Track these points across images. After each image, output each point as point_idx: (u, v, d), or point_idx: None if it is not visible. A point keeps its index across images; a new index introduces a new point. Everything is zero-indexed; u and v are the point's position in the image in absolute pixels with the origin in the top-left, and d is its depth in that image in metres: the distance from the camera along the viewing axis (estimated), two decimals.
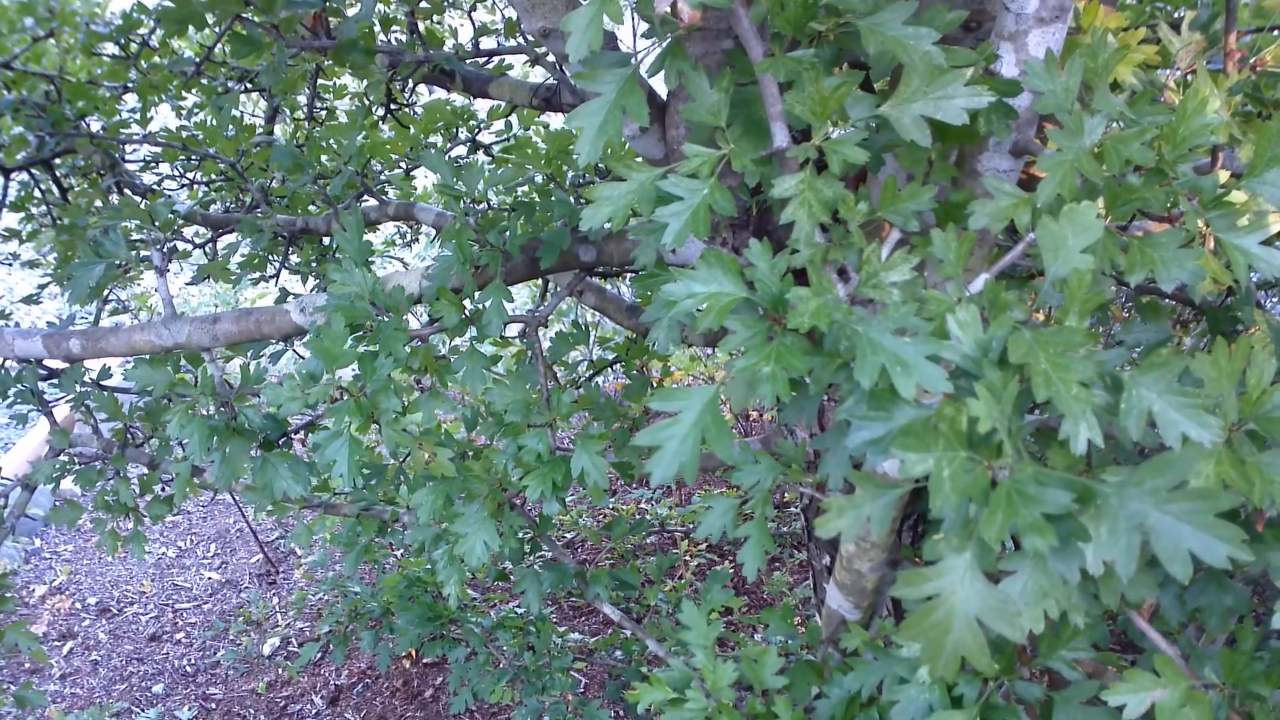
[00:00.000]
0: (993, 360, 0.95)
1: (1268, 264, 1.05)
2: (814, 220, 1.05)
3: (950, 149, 1.25)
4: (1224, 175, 1.20)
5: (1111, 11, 1.35)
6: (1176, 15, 2.15)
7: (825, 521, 1.05)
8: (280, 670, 4.61)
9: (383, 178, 3.18)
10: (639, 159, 1.76)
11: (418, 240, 4.65)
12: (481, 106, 3.13)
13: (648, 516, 5.38)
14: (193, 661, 4.76)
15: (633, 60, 1.13)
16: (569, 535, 5.37)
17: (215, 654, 4.80)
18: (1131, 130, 1.05)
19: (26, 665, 4.67)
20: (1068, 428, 0.90)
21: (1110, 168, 1.05)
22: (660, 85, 1.32)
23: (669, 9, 1.02)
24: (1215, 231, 1.07)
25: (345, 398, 1.57)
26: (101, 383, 2.34)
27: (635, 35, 1.18)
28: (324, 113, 3.46)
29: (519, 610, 3.76)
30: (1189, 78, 1.36)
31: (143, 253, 1.95)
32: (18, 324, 2.22)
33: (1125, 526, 0.87)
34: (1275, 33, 1.49)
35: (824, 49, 1.11)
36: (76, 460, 2.31)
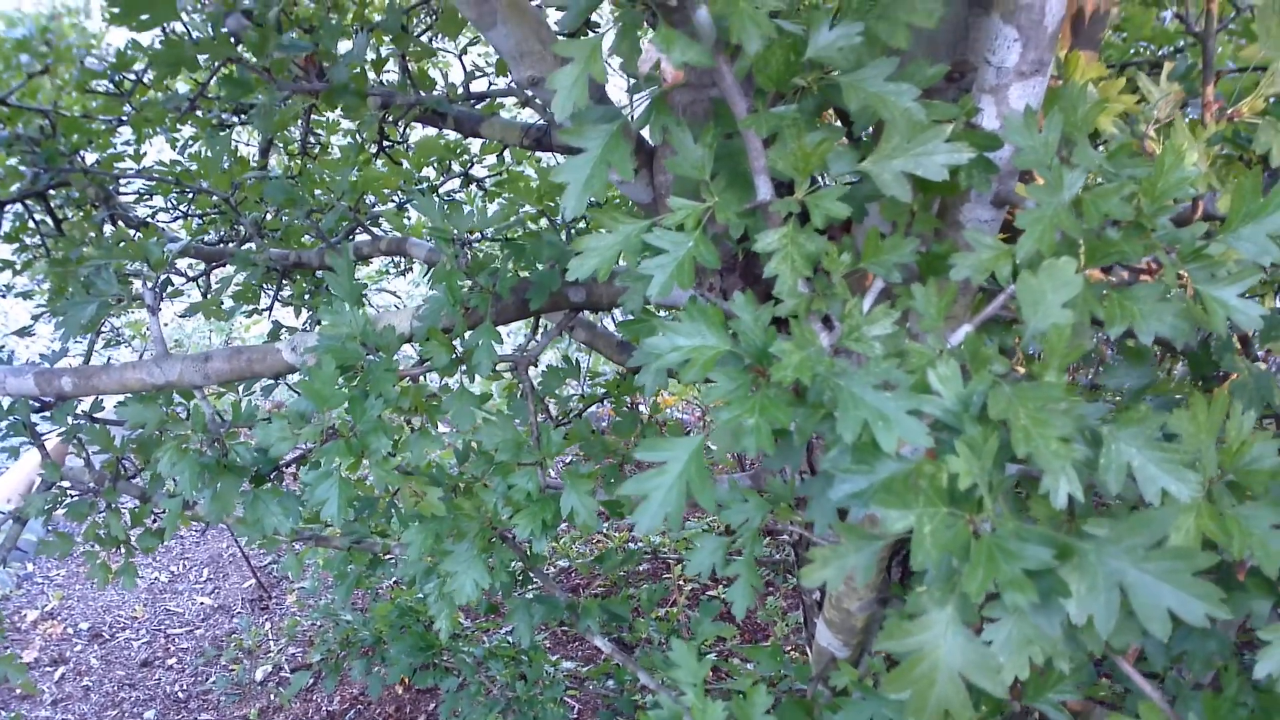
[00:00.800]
0: (973, 415, 0.96)
1: (1245, 316, 1.06)
2: (797, 274, 1.06)
3: (932, 200, 1.27)
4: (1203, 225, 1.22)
5: (1093, 59, 1.37)
6: (1158, 53, 2.18)
7: (810, 572, 1.06)
8: (272, 696, 4.59)
9: (375, 211, 3.20)
10: (622, 195, 1.78)
11: (410, 269, 4.65)
12: (474, 141, 3.16)
13: (640, 543, 5.37)
14: (185, 687, 4.74)
15: (619, 115, 1.14)
16: (561, 563, 5.36)
17: (207, 680, 4.77)
18: (1110, 185, 1.06)
19: (18, 692, 4.65)
20: (1048, 482, 0.91)
21: (1089, 222, 1.06)
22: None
23: (653, 67, 1.03)
24: (1194, 283, 1.08)
25: (335, 438, 1.58)
26: (94, 415, 2.34)
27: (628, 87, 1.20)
28: (317, 147, 3.48)
29: (511, 639, 3.75)
30: (1171, 125, 1.38)
31: (135, 289, 1.95)
32: (12, 352, 2.22)
33: (1104, 584, 0.88)
34: (1256, 71, 1.51)
35: (807, 101, 1.12)
36: (68, 493, 2.31)
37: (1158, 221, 1.09)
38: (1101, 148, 1.25)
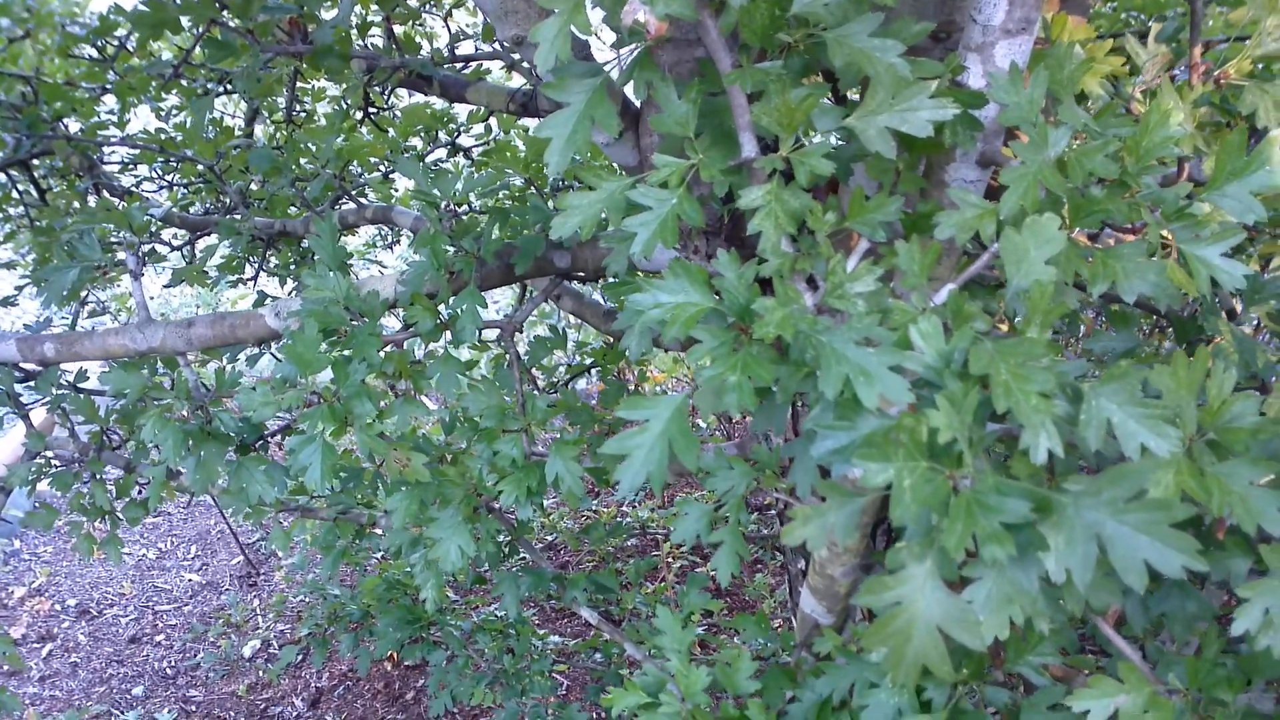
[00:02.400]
0: (954, 371, 0.96)
1: (1228, 275, 1.06)
2: (781, 231, 1.06)
3: (918, 159, 1.26)
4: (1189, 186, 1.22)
5: (1080, 22, 1.36)
6: (1149, 23, 2.17)
7: (790, 530, 1.06)
8: (261, 672, 4.59)
9: (361, 180, 3.18)
10: (611, 163, 1.77)
11: (398, 242, 4.63)
12: (461, 110, 3.13)
13: (628, 519, 5.38)
14: (173, 664, 4.74)
15: (603, 71, 1.13)
16: (550, 537, 5.37)
17: (195, 656, 4.78)
18: (1095, 143, 1.06)
19: (4, 668, 4.64)
20: (1028, 438, 0.91)
21: (1073, 180, 1.06)
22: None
23: (636, 20, 1.02)
24: (1178, 243, 1.08)
25: (319, 403, 1.57)
26: (78, 385, 2.33)
27: (615, 40, 1.19)
28: (303, 115, 3.45)
29: (499, 613, 3.76)
30: (1157, 88, 1.37)
31: (118, 256, 1.94)
32: None
33: (1082, 536, 0.88)
34: (1241, 41, 1.50)
35: (793, 59, 1.11)
36: (53, 463, 2.30)
37: (1142, 181, 1.09)
38: (1088, 109, 1.24)
